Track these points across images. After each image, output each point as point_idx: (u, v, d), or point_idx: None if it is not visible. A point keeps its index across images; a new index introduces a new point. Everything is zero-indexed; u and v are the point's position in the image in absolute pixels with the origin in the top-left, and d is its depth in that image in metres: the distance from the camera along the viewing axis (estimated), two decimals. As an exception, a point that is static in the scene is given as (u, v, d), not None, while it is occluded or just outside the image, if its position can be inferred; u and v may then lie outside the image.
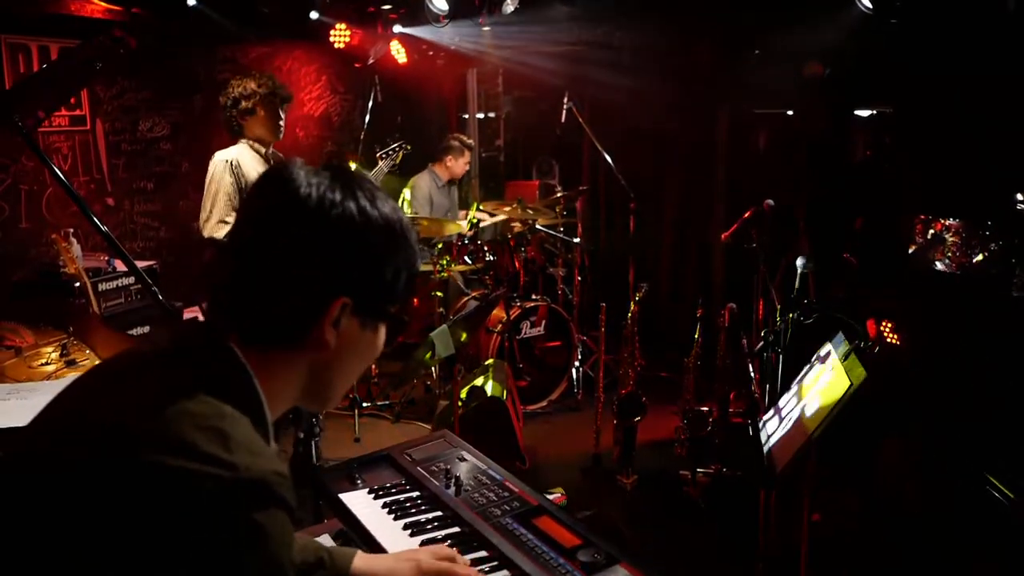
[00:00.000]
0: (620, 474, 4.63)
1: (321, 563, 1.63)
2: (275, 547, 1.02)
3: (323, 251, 1.14)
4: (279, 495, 1.04)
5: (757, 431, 3.29)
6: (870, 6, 5.23)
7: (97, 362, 3.20)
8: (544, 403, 5.81)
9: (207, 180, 4.27)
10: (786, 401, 3.21)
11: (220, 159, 4.25)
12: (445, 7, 6.20)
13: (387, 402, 5.76)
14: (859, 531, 3.61)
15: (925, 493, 3.63)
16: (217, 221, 4.21)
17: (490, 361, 5.17)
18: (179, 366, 1.13)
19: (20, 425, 2.41)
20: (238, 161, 4.24)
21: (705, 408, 4.81)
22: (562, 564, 1.65)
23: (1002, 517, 3.46)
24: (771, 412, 3.37)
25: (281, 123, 4.37)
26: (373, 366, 6.08)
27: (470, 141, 6.73)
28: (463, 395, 4.60)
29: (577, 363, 5.91)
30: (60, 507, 1.00)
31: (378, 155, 5.48)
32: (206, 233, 4.27)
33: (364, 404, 5.51)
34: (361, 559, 1.67)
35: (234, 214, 4.16)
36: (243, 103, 4.26)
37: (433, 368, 5.75)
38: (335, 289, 1.15)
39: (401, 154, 5.53)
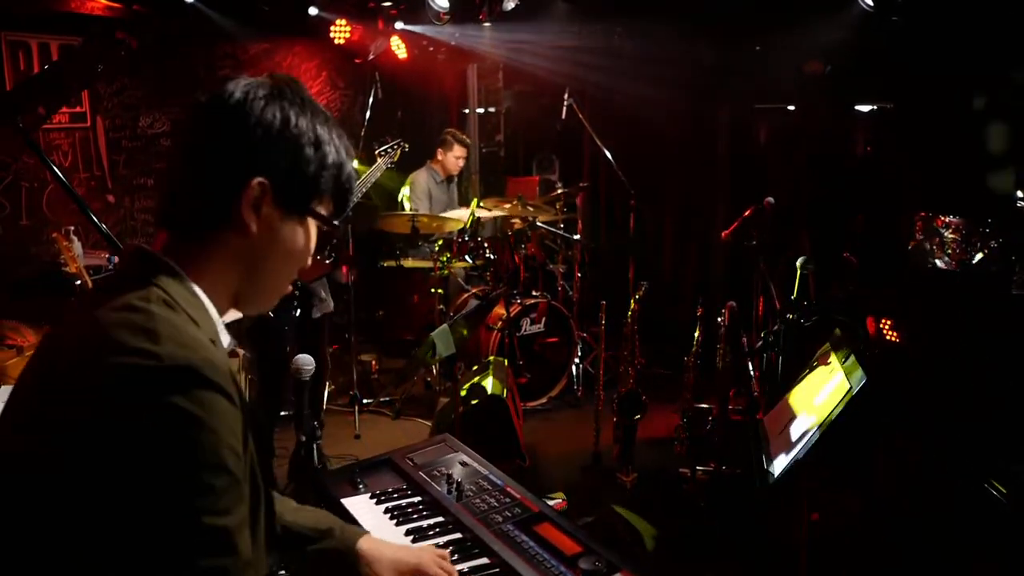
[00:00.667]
0: (620, 472, 4.64)
1: (331, 533, 1.68)
2: (205, 433, 1.01)
3: (241, 133, 1.19)
4: (207, 378, 1.03)
5: (756, 431, 3.29)
6: (871, 4, 5.22)
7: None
8: (544, 400, 5.81)
9: None
10: (787, 401, 3.22)
11: None
12: (446, 4, 6.19)
13: (387, 399, 5.77)
14: (859, 531, 3.62)
15: (925, 493, 3.64)
16: None
17: (490, 359, 5.17)
18: (112, 288, 1.15)
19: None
20: None
21: (705, 406, 4.82)
22: (563, 572, 1.66)
23: (1002, 517, 3.47)
24: (771, 412, 3.38)
25: None
26: (373, 362, 6.09)
27: (463, 136, 6.70)
28: (463, 393, 4.60)
29: (577, 360, 5.92)
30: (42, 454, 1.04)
31: (376, 153, 5.50)
32: None
33: (365, 401, 5.52)
34: (368, 540, 1.71)
35: None
36: None
37: (433, 365, 5.75)
38: (252, 168, 1.19)
39: (399, 152, 5.56)
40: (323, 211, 1.29)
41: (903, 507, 3.68)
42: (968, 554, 3.38)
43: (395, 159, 5.60)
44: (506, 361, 5.18)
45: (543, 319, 5.79)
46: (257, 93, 1.22)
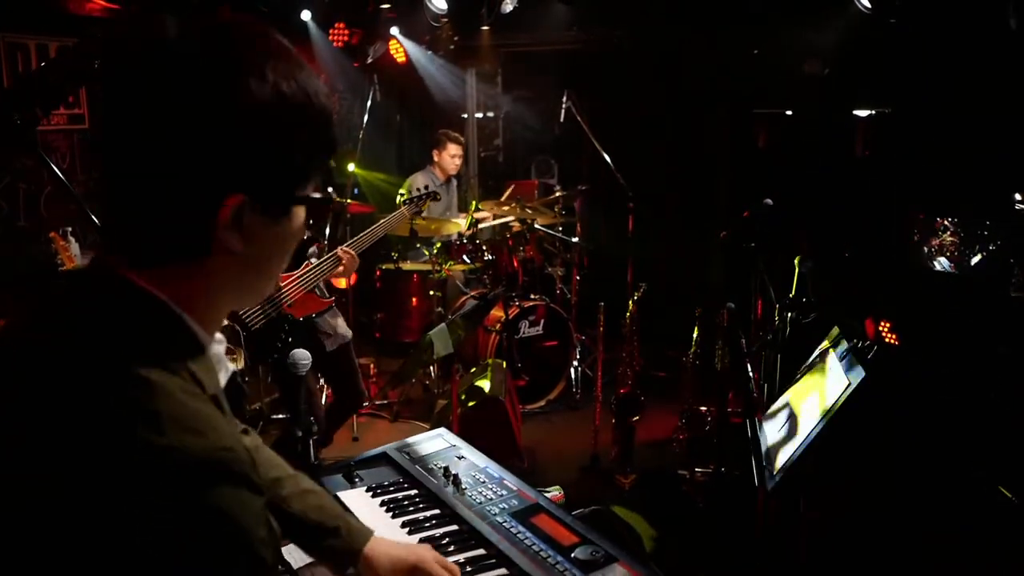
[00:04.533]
0: (619, 473, 4.63)
1: (337, 532, 1.58)
2: (236, 529, 0.88)
3: (196, 136, 0.90)
4: (228, 471, 0.88)
5: (755, 431, 3.28)
6: (868, 6, 5.24)
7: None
8: (543, 402, 5.80)
9: None
10: (785, 401, 3.21)
11: None
12: (444, 6, 6.20)
13: (385, 401, 5.75)
14: (858, 530, 3.61)
15: (925, 493, 3.63)
16: None
17: (489, 361, 5.16)
18: (82, 328, 0.92)
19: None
20: None
21: (703, 408, 4.81)
22: (560, 562, 1.65)
23: (1002, 517, 3.46)
24: (770, 411, 3.37)
25: None
26: (372, 365, 6.06)
27: (456, 134, 6.69)
28: (462, 394, 4.59)
29: (575, 362, 5.91)
30: None
31: (403, 201, 5.31)
32: None
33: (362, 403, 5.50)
34: (377, 542, 1.60)
35: None
36: None
37: (432, 367, 5.74)
38: (220, 187, 0.93)
39: (428, 202, 5.35)
40: (312, 189, 1.03)
41: (903, 507, 3.67)
42: (969, 554, 3.37)
43: (423, 209, 5.38)
44: (504, 363, 5.17)
45: (541, 322, 5.78)
46: (208, 65, 0.91)
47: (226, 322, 3.97)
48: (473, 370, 5.13)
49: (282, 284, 4.01)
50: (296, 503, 1.58)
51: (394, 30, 6.97)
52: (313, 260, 4.12)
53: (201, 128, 0.90)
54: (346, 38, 6.78)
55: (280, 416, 5.27)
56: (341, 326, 4.26)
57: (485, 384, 4.69)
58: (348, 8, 6.73)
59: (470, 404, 4.52)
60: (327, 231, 5.47)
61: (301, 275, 4.05)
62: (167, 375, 0.90)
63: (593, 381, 5.32)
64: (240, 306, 1.12)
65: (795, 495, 3.14)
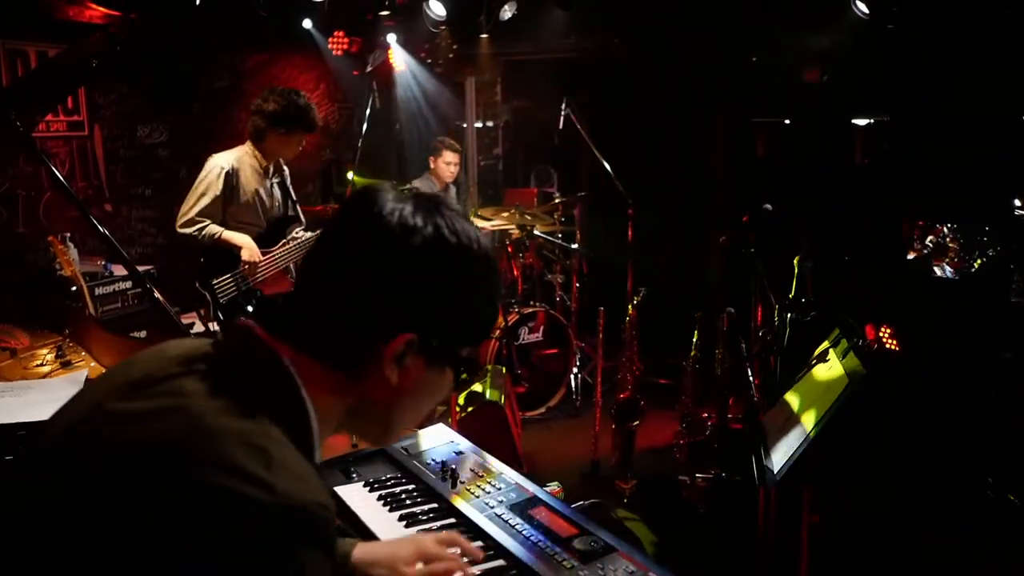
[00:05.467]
0: (619, 479, 4.60)
1: None
2: None
3: (392, 279, 1.08)
4: (323, 531, 0.96)
5: (756, 431, 3.27)
6: (867, 11, 5.25)
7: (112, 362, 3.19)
8: (542, 409, 5.78)
9: (199, 179, 4.24)
10: (785, 402, 3.20)
11: (217, 164, 4.22)
12: (443, 13, 6.22)
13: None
14: (859, 533, 3.59)
15: (926, 494, 3.61)
16: (187, 220, 4.18)
17: (488, 367, 5.15)
18: (224, 375, 1.06)
19: (13, 422, 2.38)
20: (236, 169, 4.23)
21: (704, 413, 4.79)
22: (558, 552, 1.64)
23: (1002, 519, 3.44)
24: (770, 413, 3.36)
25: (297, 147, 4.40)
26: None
27: (452, 141, 6.70)
28: (461, 400, 4.58)
29: (575, 369, 5.89)
30: (98, 519, 0.93)
31: None
32: (177, 227, 4.24)
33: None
34: (361, 548, 1.59)
35: (207, 220, 4.15)
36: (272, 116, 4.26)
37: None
38: (400, 323, 1.09)
39: None
40: (467, 351, 1.18)
41: (903, 508, 3.65)
42: (969, 554, 3.35)
43: None
44: (504, 369, 5.16)
45: (541, 329, 5.77)
46: (415, 223, 1.09)
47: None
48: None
49: (261, 260, 4.17)
50: None
51: (391, 38, 6.99)
52: (291, 242, 4.27)
53: (396, 277, 1.08)
54: (346, 46, 6.80)
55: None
56: None
57: (485, 390, 4.67)
58: (348, 15, 6.74)
59: (469, 409, 4.51)
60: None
61: (277, 253, 4.21)
62: (283, 432, 1.01)
63: (593, 388, 5.30)
64: (358, 436, 1.29)
65: (795, 497, 3.12)
